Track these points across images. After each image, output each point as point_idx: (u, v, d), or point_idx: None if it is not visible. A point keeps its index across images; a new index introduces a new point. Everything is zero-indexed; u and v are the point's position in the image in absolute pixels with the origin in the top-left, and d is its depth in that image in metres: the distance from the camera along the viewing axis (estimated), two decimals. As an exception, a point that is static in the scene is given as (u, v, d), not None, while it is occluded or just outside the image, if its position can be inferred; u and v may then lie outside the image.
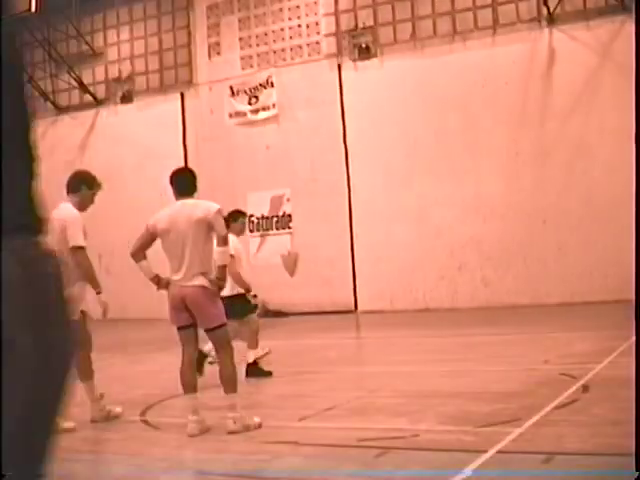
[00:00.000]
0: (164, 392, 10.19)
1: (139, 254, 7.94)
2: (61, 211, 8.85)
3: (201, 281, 7.46)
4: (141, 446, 7.38)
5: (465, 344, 13.96)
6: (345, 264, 22.21)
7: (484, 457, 6.03)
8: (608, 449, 6.03)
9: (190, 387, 7.69)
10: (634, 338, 4.98)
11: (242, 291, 10.82)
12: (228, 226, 12.06)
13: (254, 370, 10.77)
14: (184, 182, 7.96)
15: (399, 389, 9.57)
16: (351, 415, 7.49)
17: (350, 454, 6.63)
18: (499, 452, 6.18)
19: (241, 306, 10.69)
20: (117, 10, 26.91)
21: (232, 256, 9.02)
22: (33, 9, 24.60)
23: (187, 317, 7.63)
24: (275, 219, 23.06)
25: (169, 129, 25.63)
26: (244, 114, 24.56)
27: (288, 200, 23.30)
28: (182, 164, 25.30)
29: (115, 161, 26.29)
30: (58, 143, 27.74)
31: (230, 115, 24.80)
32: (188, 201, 7.76)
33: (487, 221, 20.86)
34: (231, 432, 7.27)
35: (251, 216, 24.07)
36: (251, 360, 10.91)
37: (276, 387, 10.34)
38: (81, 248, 8.52)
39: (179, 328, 7.77)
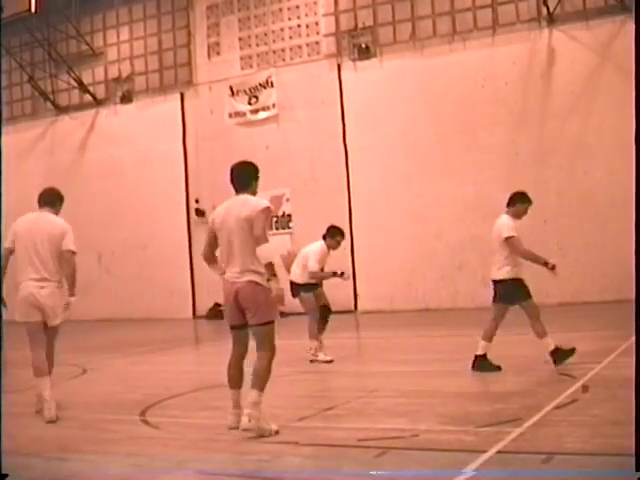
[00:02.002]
0: (164, 392, 10.21)
1: (210, 256, 7.79)
2: (55, 219, 9.15)
3: (252, 277, 7.34)
4: (141, 446, 7.35)
5: (465, 344, 13.90)
6: (345, 264, 22.15)
7: (484, 457, 6.02)
8: (608, 449, 6.02)
9: (234, 382, 7.63)
10: (634, 338, 4.98)
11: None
12: (324, 239, 12.35)
13: (483, 364, 10.52)
14: (239, 177, 8.03)
15: (399, 389, 9.55)
16: (351, 415, 7.48)
17: (350, 454, 6.61)
18: (499, 452, 6.18)
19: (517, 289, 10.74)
20: (117, 10, 26.93)
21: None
22: (33, 9, 24.65)
23: (240, 316, 7.53)
24: (275, 219, 23.05)
25: (169, 129, 25.63)
26: (244, 114, 24.57)
27: (288, 200, 23.30)
28: (182, 164, 25.39)
29: (115, 161, 26.33)
30: (58, 143, 27.80)
31: (230, 115, 24.82)
32: (241, 197, 7.79)
33: (487, 221, 20.69)
34: (245, 429, 7.19)
35: (251, 216, 24.08)
36: (481, 352, 10.66)
37: (276, 387, 10.29)
38: (74, 253, 8.85)
39: (232, 327, 7.68)
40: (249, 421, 7.19)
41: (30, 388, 9.36)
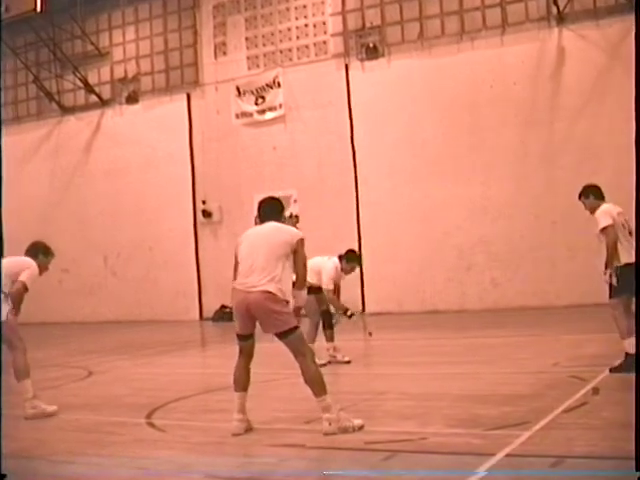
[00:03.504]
0: (170, 394, 10.19)
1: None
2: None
3: (268, 287, 7.38)
4: (147, 449, 7.33)
5: (473, 346, 13.90)
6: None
7: (493, 460, 5.98)
8: (618, 452, 5.96)
9: (240, 385, 7.65)
10: (634, 338, 4.93)
11: None
12: (340, 259, 12.31)
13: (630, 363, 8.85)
14: (269, 211, 8.13)
15: (407, 392, 9.50)
16: (358, 418, 7.42)
17: (357, 457, 6.59)
18: (508, 455, 6.13)
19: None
20: (122, 10, 26.90)
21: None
22: (38, 9, 24.61)
23: (249, 326, 7.63)
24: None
25: (175, 130, 25.61)
26: (250, 114, 24.53)
27: (295, 201, 23.23)
28: (188, 165, 25.37)
29: (121, 162, 26.32)
30: (63, 144, 27.81)
31: (236, 115, 24.78)
32: (272, 223, 7.90)
33: (495, 222, 20.78)
34: (327, 434, 7.18)
35: (257, 217, 24.02)
36: (632, 351, 9.10)
37: (282, 389, 10.28)
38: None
39: (239, 336, 7.74)
40: (329, 425, 7.24)
41: (38, 390, 9.35)
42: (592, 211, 10.55)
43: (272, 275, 7.44)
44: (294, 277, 7.80)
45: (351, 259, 12.70)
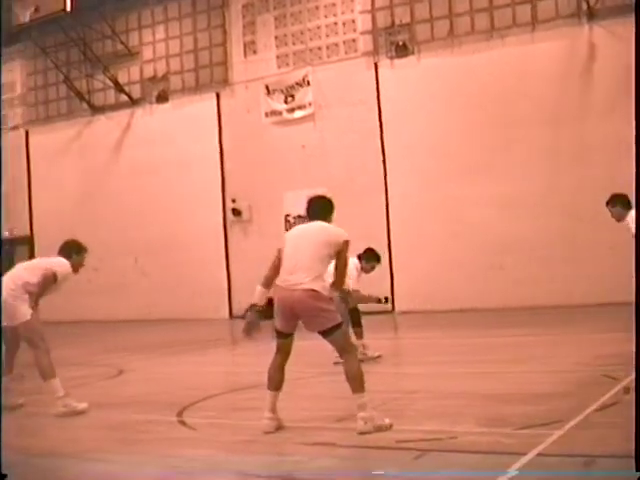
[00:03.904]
0: (200, 392, 10.20)
1: (269, 281, 7.84)
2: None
3: (312, 285, 7.35)
4: (177, 447, 7.34)
5: (503, 345, 13.85)
6: (382, 264, 22.03)
7: (524, 460, 5.92)
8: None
9: (274, 384, 7.62)
10: (634, 338, 4.91)
11: None
12: (359, 259, 12.33)
13: None
14: (317, 209, 8.09)
15: (437, 390, 9.49)
16: (389, 416, 7.40)
17: (388, 456, 6.56)
18: (539, 455, 6.08)
19: None
20: (152, 9, 27.01)
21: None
22: (68, 8, 24.75)
23: (291, 325, 7.58)
24: (308, 217, 22.92)
25: (205, 128, 25.68)
26: (280, 113, 24.54)
27: (324, 200, 23.19)
28: (218, 164, 25.42)
29: (150, 161, 26.41)
30: (94, 143, 27.95)
31: (266, 114, 24.80)
32: (318, 222, 7.88)
33: (524, 220, 20.66)
34: (362, 433, 7.15)
35: (287, 216, 24.07)
36: None
37: (312, 388, 10.28)
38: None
39: (278, 334, 7.68)
40: (365, 424, 7.21)
41: (67, 388, 9.40)
42: (618, 219, 10.57)
43: (317, 273, 7.42)
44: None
45: (370, 258, 12.68)
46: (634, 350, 4.95)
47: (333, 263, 7.83)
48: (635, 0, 5.60)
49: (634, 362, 4.91)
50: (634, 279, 4.92)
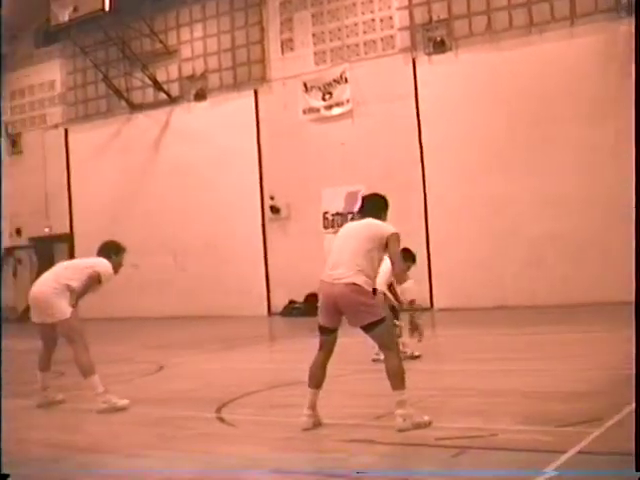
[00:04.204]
0: (239, 389, 10.25)
1: None
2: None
3: (353, 279, 7.34)
4: (216, 443, 7.40)
5: (542, 342, 13.78)
6: (421, 261, 21.96)
7: (564, 457, 5.90)
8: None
9: (315, 382, 7.63)
10: (634, 338, 4.87)
11: None
12: None
13: None
14: (371, 207, 8.05)
15: (475, 388, 9.46)
16: (427, 414, 7.39)
17: (427, 453, 6.58)
18: (580, 452, 6.05)
19: None
20: (190, 8, 27.12)
21: None
22: (107, 8, 24.93)
23: (334, 320, 7.58)
24: (350, 215, 22.92)
25: (243, 126, 25.74)
26: (318, 110, 24.55)
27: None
28: (256, 161, 25.49)
29: (189, 158, 26.53)
30: (132, 141, 28.13)
31: (304, 111, 24.81)
32: (368, 219, 7.83)
33: (565, 216, 20.51)
34: (401, 430, 7.16)
35: (325, 213, 24.10)
36: None
37: (351, 385, 10.29)
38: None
39: (322, 330, 7.68)
40: (404, 421, 7.22)
41: (108, 385, 9.48)
42: None
43: (359, 268, 7.39)
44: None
45: (406, 258, 12.60)
46: (634, 350, 4.91)
47: (386, 263, 7.86)
48: (635, 0, 5.57)
49: (634, 362, 4.88)
50: (634, 279, 4.88)
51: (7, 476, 5.48)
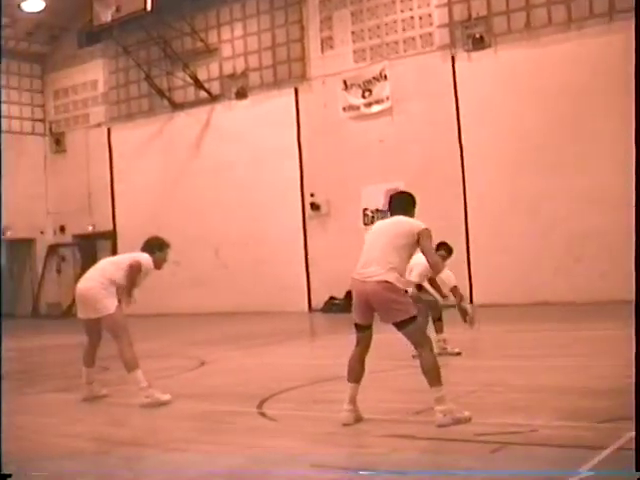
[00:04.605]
0: (280, 384, 10.31)
1: None
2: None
3: (384, 277, 7.40)
4: (258, 438, 7.44)
5: (582, 338, 13.74)
6: (460, 257, 21.97)
7: (604, 453, 5.91)
8: None
9: (354, 376, 7.69)
10: (634, 337, 4.88)
11: None
12: None
13: None
14: (399, 204, 8.14)
15: (514, 384, 9.47)
16: (467, 409, 7.41)
17: (466, 449, 6.59)
18: (620, 449, 6.05)
19: None
20: (230, 7, 27.26)
21: None
22: (149, 8, 25.14)
23: (367, 317, 7.65)
24: (389, 212, 22.96)
25: (283, 124, 25.83)
26: (357, 107, 24.59)
27: (402, 194, 23.17)
28: (296, 158, 25.56)
29: (230, 156, 26.67)
30: (174, 139, 28.33)
31: (344, 109, 24.86)
32: (398, 217, 7.94)
33: (604, 213, 20.39)
34: (441, 426, 7.19)
35: (365, 210, 24.14)
36: None
37: (391, 380, 10.33)
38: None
39: (357, 326, 7.74)
40: (444, 416, 7.24)
41: (151, 380, 9.60)
42: None
43: (391, 265, 7.44)
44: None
45: (443, 250, 12.62)
46: (634, 350, 4.92)
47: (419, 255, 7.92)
48: (635, 0, 5.54)
49: (634, 362, 4.90)
50: (634, 278, 4.90)
51: (8, 476, 5.56)
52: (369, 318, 7.65)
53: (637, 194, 4.78)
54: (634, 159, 4.76)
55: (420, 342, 7.54)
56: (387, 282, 7.38)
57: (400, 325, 7.45)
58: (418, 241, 7.60)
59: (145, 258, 9.76)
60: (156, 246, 10.00)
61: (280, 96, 26.12)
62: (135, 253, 9.97)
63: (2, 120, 30.01)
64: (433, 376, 7.35)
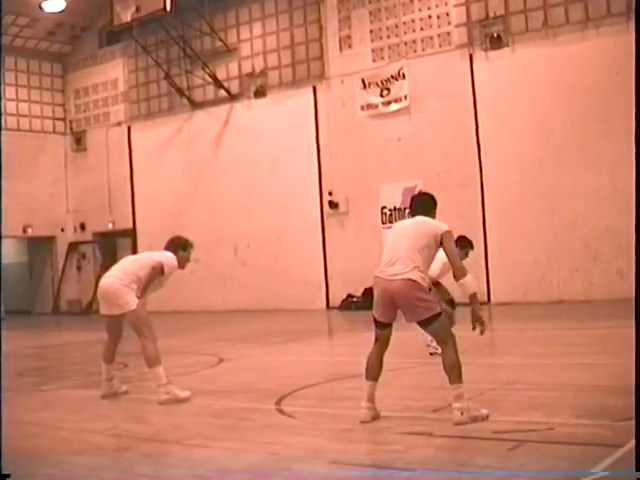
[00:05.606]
0: (298, 381, 10.36)
1: None
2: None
3: (409, 275, 7.44)
4: (277, 434, 7.50)
5: (600, 337, 13.73)
6: (478, 255, 21.97)
7: (621, 451, 5.88)
8: None
9: (372, 374, 7.72)
10: (634, 337, 4.90)
11: None
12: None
13: None
14: (420, 206, 8.14)
15: (532, 382, 9.48)
16: (485, 407, 7.44)
17: (484, 446, 6.62)
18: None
19: None
20: (249, 6, 27.33)
21: None
22: (168, 8, 25.26)
23: (389, 315, 7.68)
24: (407, 211, 22.97)
25: (302, 122, 25.90)
26: (376, 106, 24.61)
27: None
28: (315, 157, 25.62)
29: (249, 155, 26.76)
30: (194, 138, 28.43)
31: (362, 107, 24.90)
32: (419, 217, 7.95)
33: (623, 212, 20.29)
34: (458, 423, 7.22)
35: (383, 208, 24.17)
36: None
37: (410, 378, 10.37)
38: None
39: (377, 324, 7.77)
40: (461, 414, 7.28)
41: (171, 376, 9.67)
42: None
43: (415, 264, 7.48)
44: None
45: (464, 245, 12.60)
46: (634, 349, 4.96)
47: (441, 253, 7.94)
48: (635, 0, 5.51)
49: (634, 362, 4.93)
50: (634, 278, 4.93)
51: (7, 476, 5.61)
52: (391, 316, 7.69)
53: (637, 194, 4.80)
54: (634, 159, 4.78)
55: (444, 339, 7.57)
56: (413, 280, 7.42)
57: (425, 323, 7.50)
58: (441, 242, 7.64)
59: (169, 257, 9.83)
60: (180, 245, 10.07)
61: (299, 95, 26.18)
62: (160, 252, 10.04)
63: (22, 120, 30.26)
64: (454, 373, 7.38)
